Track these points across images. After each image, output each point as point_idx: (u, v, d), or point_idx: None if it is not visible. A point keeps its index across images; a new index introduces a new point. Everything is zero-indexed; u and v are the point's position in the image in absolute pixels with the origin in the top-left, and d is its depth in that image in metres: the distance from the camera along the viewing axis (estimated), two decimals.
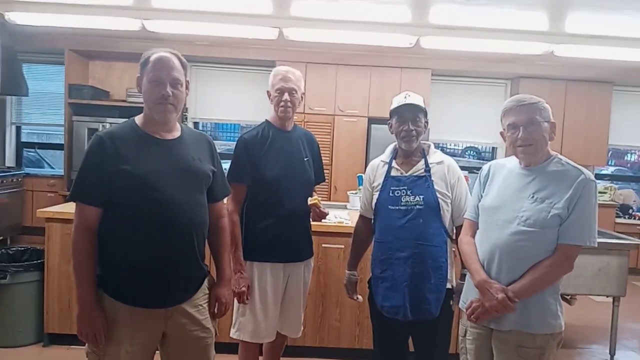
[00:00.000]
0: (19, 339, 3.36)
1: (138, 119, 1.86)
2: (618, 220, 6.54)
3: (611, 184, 7.07)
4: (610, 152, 7.68)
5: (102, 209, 1.74)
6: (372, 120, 6.22)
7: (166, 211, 1.74)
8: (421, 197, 2.21)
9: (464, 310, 2.00)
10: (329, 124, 6.27)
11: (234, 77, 6.82)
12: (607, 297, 3.66)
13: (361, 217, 2.52)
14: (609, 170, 7.99)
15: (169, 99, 1.78)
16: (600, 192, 6.66)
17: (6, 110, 6.89)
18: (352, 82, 6.27)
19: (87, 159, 1.75)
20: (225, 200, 2.15)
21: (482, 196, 2.04)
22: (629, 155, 8.33)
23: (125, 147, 1.75)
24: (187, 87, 1.88)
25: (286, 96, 2.46)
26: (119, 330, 1.75)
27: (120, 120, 1.92)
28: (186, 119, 6.65)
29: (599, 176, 7.46)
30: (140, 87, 1.83)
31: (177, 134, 1.88)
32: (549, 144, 1.92)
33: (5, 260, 3.50)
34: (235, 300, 2.42)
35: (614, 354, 3.72)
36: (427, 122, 2.32)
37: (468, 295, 2.01)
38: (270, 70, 2.60)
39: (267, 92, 2.55)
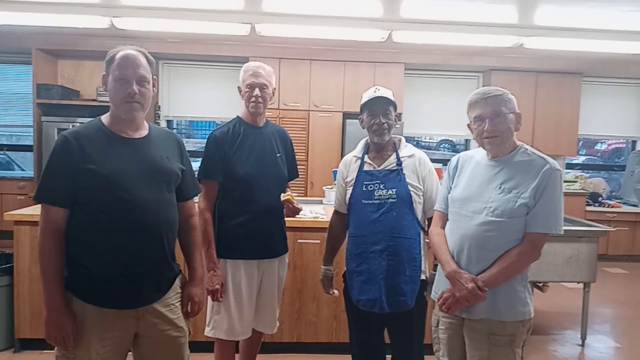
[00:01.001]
0: None
1: (104, 118, 1.83)
2: (588, 208, 6.70)
3: (582, 173, 7.22)
4: (581, 142, 7.83)
5: (68, 210, 1.72)
6: (347, 115, 6.23)
7: (134, 211, 1.72)
8: (394, 190, 2.23)
9: (436, 300, 2.03)
10: (304, 120, 6.26)
11: (208, 74, 6.76)
12: (578, 283, 3.75)
13: (336, 212, 2.53)
14: (580, 159, 8.16)
15: (136, 97, 1.75)
16: (570, 181, 6.81)
17: None
18: (326, 77, 6.27)
19: (52, 159, 1.72)
20: (196, 198, 2.13)
21: (451, 188, 2.06)
22: (599, 144, 8.51)
23: (91, 147, 1.72)
24: (154, 85, 1.86)
25: (257, 92, 2.45)
26: (88, 332, 1.72)
27: None
28: (159, 117, 6.56)
29: (570, 166, 7.62)
30: (106, 85, 1.80)
31: (144, 132, 1.86)
32: (515, 135, 1.95)
33: None
34: (209, 299, 2.41)
35: (586, 339, 3.83)
36: (397, 116, 2.33)
37: (439, 286, 2.04)
38: None
39: (238, 87, 2.54)
